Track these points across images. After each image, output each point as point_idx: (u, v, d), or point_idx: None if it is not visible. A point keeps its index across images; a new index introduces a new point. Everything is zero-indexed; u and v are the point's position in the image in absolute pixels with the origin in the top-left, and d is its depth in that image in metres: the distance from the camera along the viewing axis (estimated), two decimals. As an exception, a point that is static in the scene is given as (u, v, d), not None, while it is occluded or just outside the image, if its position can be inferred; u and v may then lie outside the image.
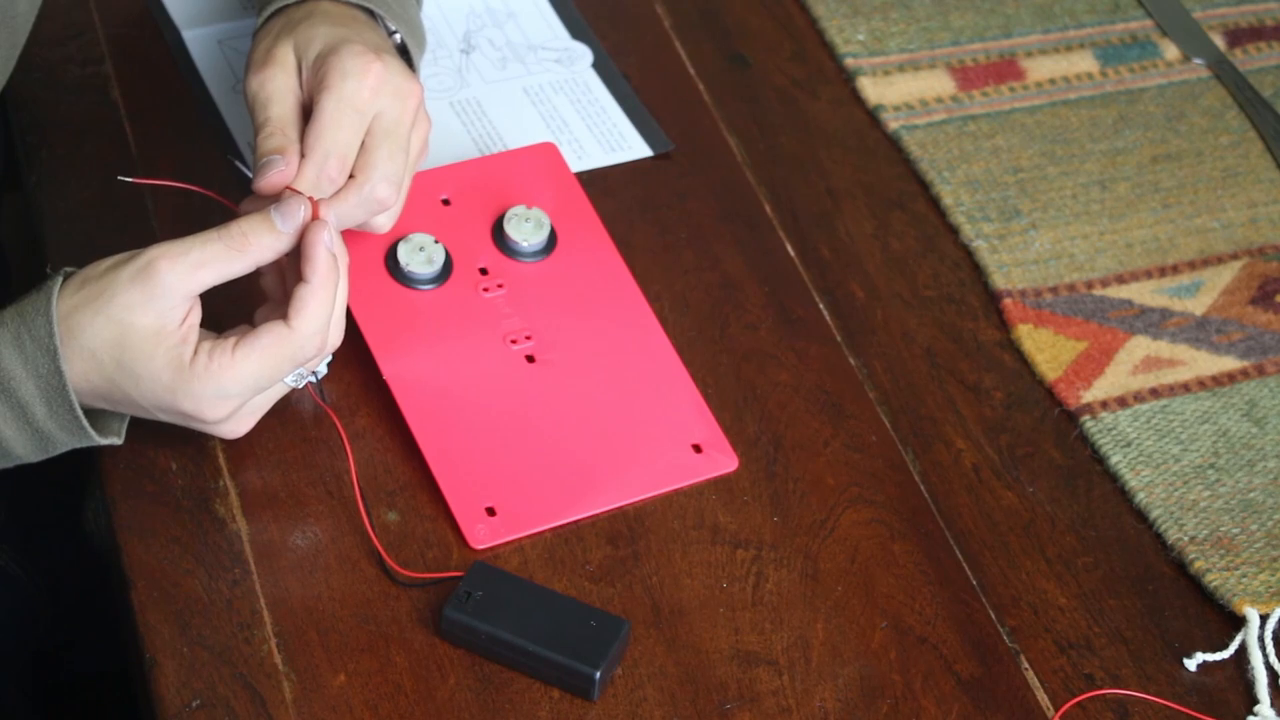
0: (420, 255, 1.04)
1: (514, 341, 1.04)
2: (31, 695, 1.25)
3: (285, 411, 1.00)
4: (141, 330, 0.90)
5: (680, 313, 1.09)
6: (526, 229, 1.07)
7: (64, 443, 0.93)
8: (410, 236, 1.05)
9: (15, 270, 1.32)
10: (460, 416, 1.01)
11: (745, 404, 1.05)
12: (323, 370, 0.99)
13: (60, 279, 0.92)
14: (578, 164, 1.16)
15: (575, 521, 0.98)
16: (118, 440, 0.95)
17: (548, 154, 1.12)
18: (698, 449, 1.02)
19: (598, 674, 0.90)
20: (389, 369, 1.01)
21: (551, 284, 1.07)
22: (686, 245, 1.13)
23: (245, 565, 0.94)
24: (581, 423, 1.02)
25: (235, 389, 0.91)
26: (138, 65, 1.19)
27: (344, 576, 0.94)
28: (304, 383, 0.96)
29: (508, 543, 0.97)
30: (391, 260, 1.04)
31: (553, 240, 1.08)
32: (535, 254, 1.07)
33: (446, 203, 1.08)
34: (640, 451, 1.01)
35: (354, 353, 1.01)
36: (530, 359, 1.04)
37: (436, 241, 1.05)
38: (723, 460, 1.02)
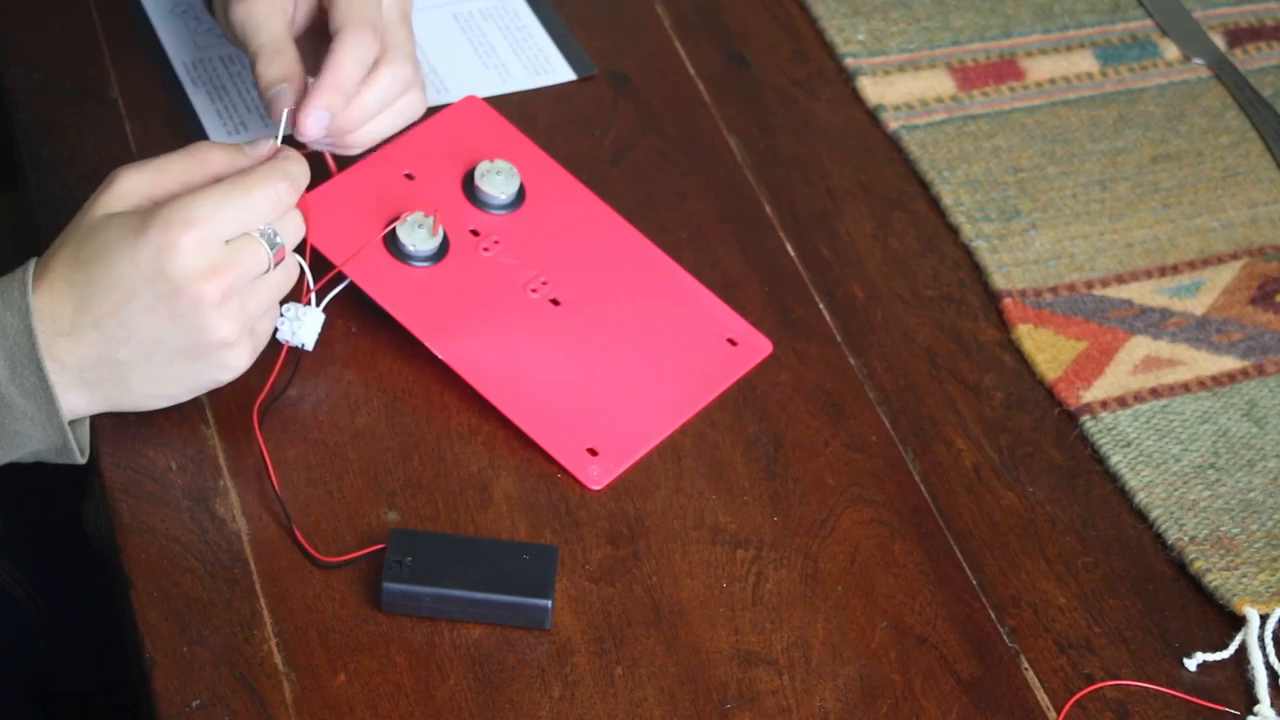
0: (420, 232, 1.05)
1: (533, 290, 1.05)
2: (32, 702, 1.25)
3: (285, 412, 1.00)
4: (110, 213, 0.94)
5: (680, 313, 1.09)
6: (499, 181, 1.08)
7: (23, 412, 0.92)
8: (404, 217, 1.04)
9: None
10: (521, 373, 1.02)
11: (745, 404, 1.05)
12: (310, 343, 0.99)
13: (35, 260, 0.94)
14: (502, 87, 1.20)
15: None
16: (81, 451, 0.95)
17: (475, 107, 1.13)
18: (733, 343, 1.06)
19: (550, 603, 0.92)
20: (444, 351, 1.01)
21: (538, 228, 1.08)
22: (686, 245, 1.13)
23: (245, 565, 0.94)
24: (626, 351, 1.04)
25: (204, 197, 0.93)
26: (138, 66, 1.19)
27: (344, 576, 0.94)
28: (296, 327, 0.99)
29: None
30: (394, 246, 1.04)
31: (522, 187, 1.09)
32: (512, 205, 1.08)
33: (410, 177, 1.08)
34: (689, 361, 1.05)
35: (353, 353, 1.01)
36: (555, 302, 1.05)
37: (427, 215, 1.05)
38: (758, 347, 1.06)
